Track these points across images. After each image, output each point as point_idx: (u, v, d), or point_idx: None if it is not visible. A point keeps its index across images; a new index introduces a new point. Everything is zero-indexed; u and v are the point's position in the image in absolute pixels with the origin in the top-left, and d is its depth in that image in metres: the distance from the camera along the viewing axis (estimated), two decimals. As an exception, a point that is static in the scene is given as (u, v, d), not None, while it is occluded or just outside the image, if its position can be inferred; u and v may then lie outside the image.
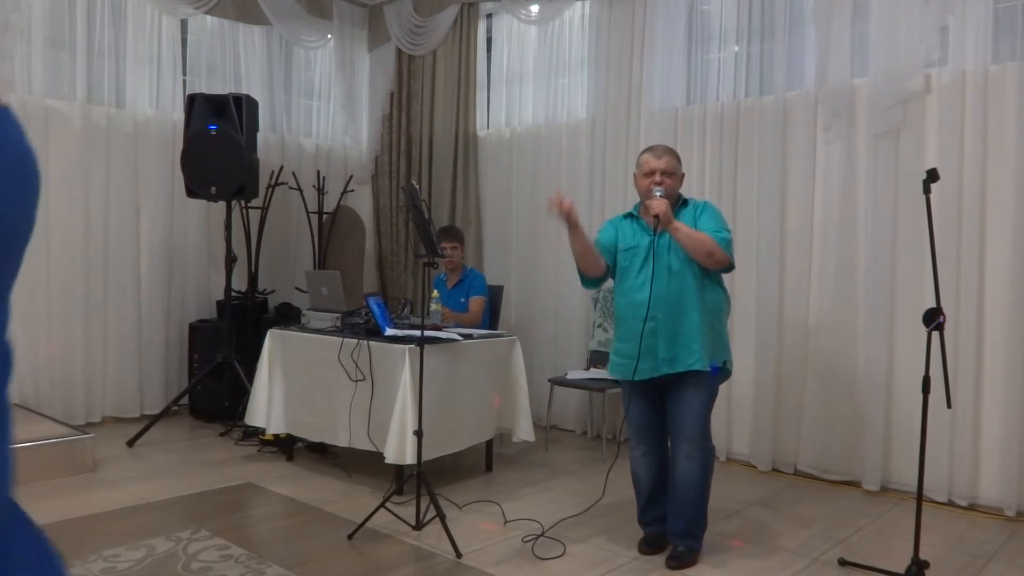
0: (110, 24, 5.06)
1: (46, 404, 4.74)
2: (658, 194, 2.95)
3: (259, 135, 5.15)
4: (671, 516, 3.05)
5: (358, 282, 6.02)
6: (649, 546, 3.13)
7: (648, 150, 3.12)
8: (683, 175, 3.14)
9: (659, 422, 3.12)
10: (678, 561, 2.97)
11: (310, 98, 6.40)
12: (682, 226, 2.92)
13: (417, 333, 3.55)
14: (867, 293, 4.03)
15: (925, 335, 2.79)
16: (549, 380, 4.87)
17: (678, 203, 3.08)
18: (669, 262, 2.97)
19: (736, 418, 4.51)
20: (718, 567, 3.00)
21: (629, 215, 3.19)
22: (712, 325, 2.98)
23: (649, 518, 3.17)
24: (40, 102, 4.75)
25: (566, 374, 4.85)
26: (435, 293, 4.34)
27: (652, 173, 3.02)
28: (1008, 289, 3.64)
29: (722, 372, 3.05)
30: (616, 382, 4.52)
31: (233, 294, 5.12)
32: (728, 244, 2.95)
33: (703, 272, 2.96)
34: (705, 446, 3.00)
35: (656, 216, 2.90)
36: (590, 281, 3.19)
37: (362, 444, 3.80)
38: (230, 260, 4.91)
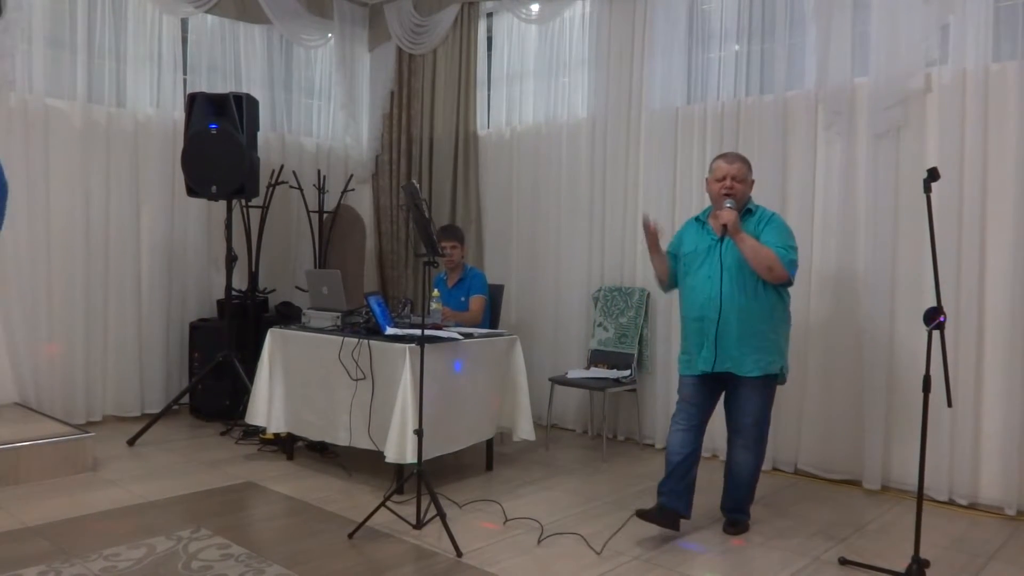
0: (110, 23, 5.06)
1: (47, 403, 4.75)
2: (728, 205, 3.10)
3: (259, 134, 5.14)
4: (726, 495, 3.38)
5: (358, 281, 6.02)
6: (647, 515, 3.17)
7: (721, 156, 3.31)
8: (753, 182, 3.29)
9: (705, 405, 3.32)
10: (735, 528, 3.35)
11: (310, 97, 6.40)
12: (747, 238, 3.08)
13: (417, 332, 3.55)
14: (867, 292, 4.03)
15: (925, 334, 2.79)
16: (549, 379, 4.87)
17: (744, 211, 3.21)
18: (731, 267, 3.14)
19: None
20: (719, 566, 3.00)
21: (697, 219, 3.40)
22: (768, 334, 3.15)
23: (665, 488, 3.27)
24: (40, 101, 4.74)
25: (566, 373, 4.85)
26: (435, 292, 4.34)
27: (724, 178, 3.20)
28: (1008, 288, 3.64)
29: (779, 377, 3.25)
30: (617, 381, 4.55)
31: (233, 293, 5.12)
32: (792, 263, 3.09)
33: (763, 281, 3.12)
34: (760, 441, 3.27)
35: (724, 225, 3.08)
36: (666, 286, 3.53)
37: (362, 443, 3.80)
38: (230, 259, 4.91)
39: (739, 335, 3.12)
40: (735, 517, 3.38)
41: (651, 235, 3.34)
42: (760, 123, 4.41)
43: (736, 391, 3.25)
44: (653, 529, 3.27)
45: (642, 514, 3.16)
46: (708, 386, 3.30)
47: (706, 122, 4.63)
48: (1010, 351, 3.62)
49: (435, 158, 6.08)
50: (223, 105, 4.80)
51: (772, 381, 3.24)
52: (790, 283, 3.18)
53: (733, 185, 3.18)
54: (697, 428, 3.32)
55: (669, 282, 3.48)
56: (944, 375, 2.83)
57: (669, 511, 3.20)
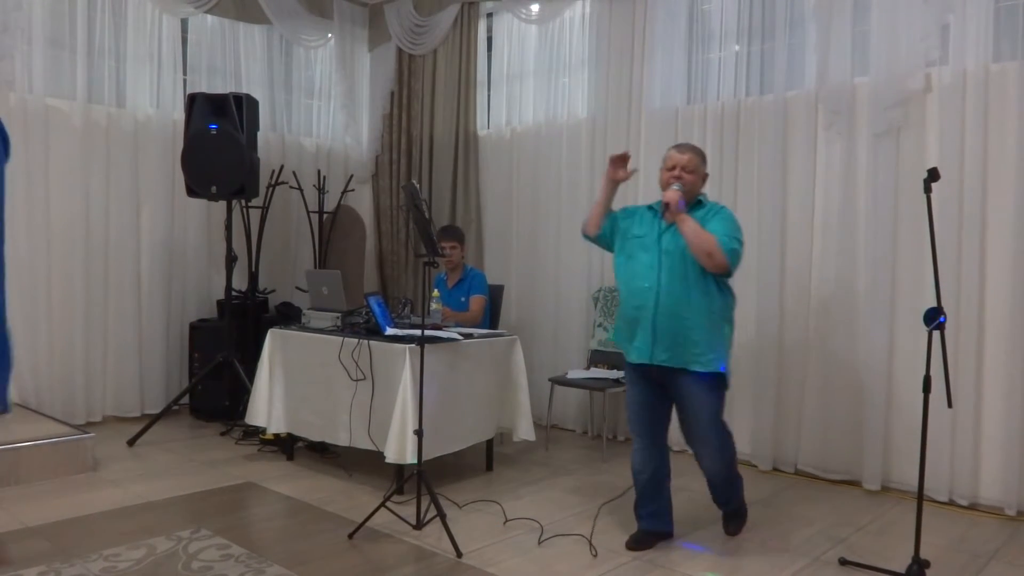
0: (110, 23, 5.06)
1: (46, 404, 4.75)
2: (675, 187, 3.02)
3: (259, 134, 5.14)
4: (713, 497, 3.29)
5: (358, 281, 6.02)
6: (636, 544, 3.15)
7: (674, 146, 3.20)
8: (706, 175, 3.18)
9: (654, 416, 3.15)
10: (733, 522, 3.33)
11: (310, 97, 6.40)
12: (689, 219, 2.95)
13: (417, 332, 3.55)
14: (867, 292, 4.03)
15: (926, 334, 2.79)
16: (549, 379, 4.87)
17: (694, 203, 3.10)
18: (675, 257, 2.99)
19: (736, 418, 4.49)
20: (719, 566, 3.00)
21: (651, 207, 3.23)
22: (710, 329, 2.98)
23: (642, 511, 3.21)
24: (40, 101, 4.74)
25: (566, 373, 4.85)
26: (435, 292, 4.34)
27: (673, 168, 3.09)
28: (1008, 288, 3.63)
29: (724, 378, 3.04)
30: (617, 381, 4.55)
31: (233, 293, 5.12)
32: (732, 252, 2.94)
33: (707, 273, 2.97)
34: (721, 444, 3.11)
35: (666, 204, 2.97)
36: (585, 236, 3.37)
37: (362, 443, 3.80)
38: (230, 259, 4.91)
39: (677, 327, 2.95)
40: (728, 510, 3.35)
41: (620, 164, 3.20)
42: (760, 123, 4.41)
43: (682, 392, 3.03)
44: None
45: (630, 546, 3.14)
46: (650, 387, 3.10)
47: (706, 122, 4.63)
48: (1010, 351, 3.62)
49: (435, 158, 6.08)
50: (223, 105, 4.80)
51: (718, 381, 3.02)
52: (729, 274, 2.99)
53: (682, 175, 3.06)
54: (651, 442, 3.14)
55: (597, 232, 3.27)
56: (944, 375, 2.83)
57: (652, 534, 3.17)
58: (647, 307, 3.00)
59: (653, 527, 3.17)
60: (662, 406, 3.15)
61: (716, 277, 3.00)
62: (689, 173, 3.07)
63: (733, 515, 3.35)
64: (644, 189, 4.89)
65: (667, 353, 2.99)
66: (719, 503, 3.34)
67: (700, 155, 3.15)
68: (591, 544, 3.16)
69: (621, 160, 3.22)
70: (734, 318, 3.13)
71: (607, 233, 3.26)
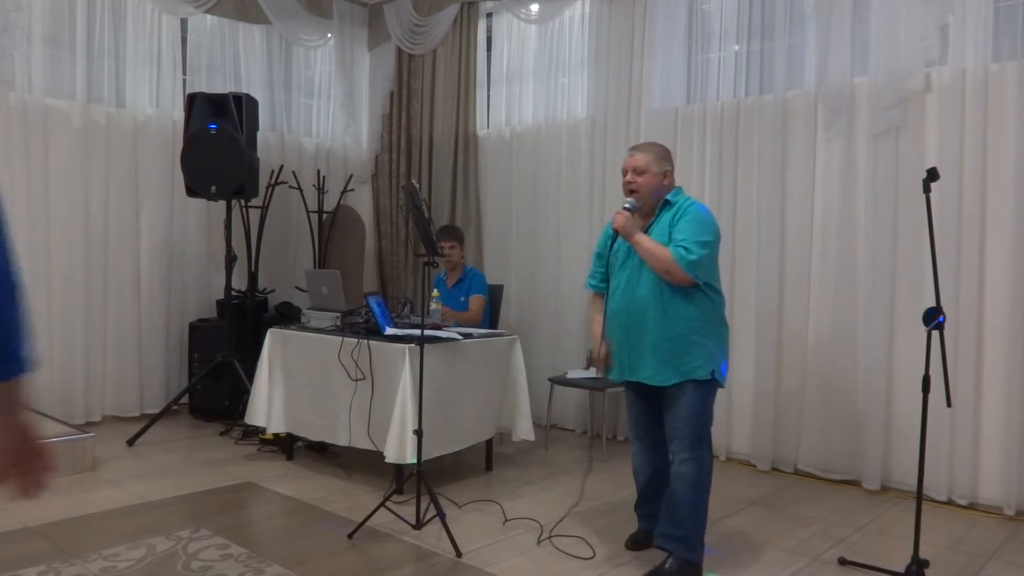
0: (110, 23, 5.06)
1: (46, 403, 4.74)
2: (626, 206, 2.87)
3: (259, 134, 5.15)
4: (662, 515, 2.91)
5: (358, 281, 6.02)
6: (636, 544, 3.15)
7: (631, 147, 3.01)
8: (668, 171, 2.92)
9: (651, 421, 3.04)
10: (673, 570, 2.81)
11: (310, 97, 6.40)
12: (644, 240, 2.81)
13: (417, 332, 3.55)
14: (867, 292, 4.03)
15: (925, 334, 2.79)
16: (549, 379, 4.87)
17: (662, 204, 2.91)
18: (639, 272, 2.87)
19: (736, 418, 4.51)
20: (719, 566, 3.00)
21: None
22: (687, 338, 2.81)
23: (642, 512, 3.20)
24: (40, 101, 4.74)
25: (566, 373, 4.85)
26: (435, 292, 4.34)
27: (625, 172, 2.92)
28: (1008, 288, 3.64)
29: (712, 382, 2.87)
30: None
31: (233, 293, 5.12)
32: (692, 265, 2.73)
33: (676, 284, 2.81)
34: (696, 453, 2.82)
35: (615, 231, 2.87)
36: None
37: (362, 443, 3.80)
38: (230, 259, 4.91)
39: (655, 343, 2.82)
40: (667, 547, 2.85)
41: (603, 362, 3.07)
42: (760, 123, 4.41)
43: (664, 399, 2.90)
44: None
45: (630, 546, 3.14)
46: (644, 393, 3.00)
47: (706, 122, 4.63)
48: (1010, 351, 3.62)
49: (435, 158, 6.08)
50: (223, 105, 4.80)
51: (702, 387, 2.84)
52: (696, 285, 2.78)
53: (634, 179, 2.86)
54: (651, 444, 3.06)
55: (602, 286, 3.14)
56: (944, 375, 2.83)
57: (647, 535, 3.13)
58: (627, 325, 2.90)
59: (653, 527, 3.14)
60: (650, 406, 3.03)
61: (690, 287, 2.81)
62: (640, 175, 2.86)
63: (676, 563, 2.83)
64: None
65: (646, 371, 2.87)
66: (661, 532, 2.89)
67: (655, 153, 2.91)
68: (588, 544, 3.16)
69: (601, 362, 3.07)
70: (725, 318, 2.98)
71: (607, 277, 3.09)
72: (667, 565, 2.83)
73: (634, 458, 3.16)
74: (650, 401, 3.00)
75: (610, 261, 3.03)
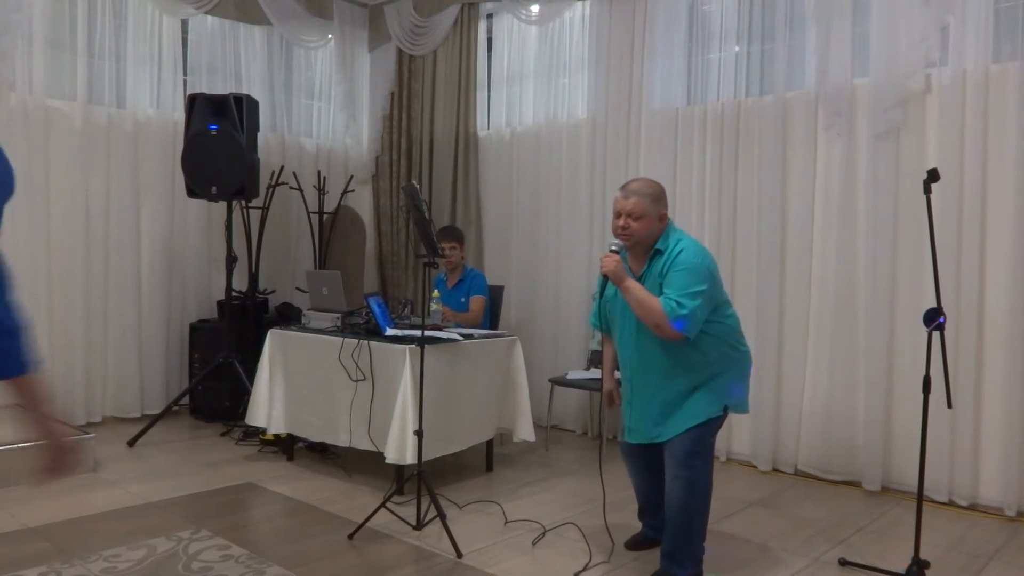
0: (111, 24, 5.06)
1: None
2: (612, 248, 2.77)
3: (259, 135, 5.15)
4: (664, 549, 2.85)
5: (358, 282, 6.02)
6: (635, 544, 3.16)
7: (621, 187, 2.83)
8: (663, 215, 2.80)
9: (646, 452, 2.97)
10: None
11: (310, 98, 6.40)
12: (633, 288, 2.70)
13: (417, 333, 3.55)
14: (867, 293, 4.03)
15: (925, 335, 2.79)
16: (549, 380, 4.87)
17: (651, 251, 2.79)
18: (636, 320, 2.77)
19: (736, 418, 4.49)
20: (719, 566, 3.00)
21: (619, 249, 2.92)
22: (705, 380, 2.75)
23: (645, 521, 3.20)
24: (41, 102, 4.75)
25: (566, 374, 4.85)
26: (435, 293, 4.34)
27: (619, 216, 2.78)
28: (1008, 289, 3.64)
29: (723, 412, 2.83)
30: (617, 382, 4.54)
31: (234, 294, 5.12)
32: (679, 318, 2.60)
33: None
34: (691, 471, 2.72)
35: (604, 276, 2.76)
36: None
37: (362, 444, 3.80)
38: (231, 260, 4.91)
39: (663, 406, 2.75)
40: (666, 568, 2.81)
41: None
42: (760, 124, 4.41)
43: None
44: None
45: (630, 546, 3.15)
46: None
47: (706, 123, 4.63)
48: (1010, 351, 3.62)
49: (435, 159, 6.08)
50: (223, 106, 4.80)
51: (710, 421, 2.76)
52: (686, 339, 2.66)
53: (628, 224, 2.74)
54: (645, 459, 3.00)
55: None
56: (944, 376, 2.83)
57: (647, 540, 3.15)
58: (632, 381, 2.85)
59: (655, 536, 3.12)
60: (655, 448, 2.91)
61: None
62: (636, 220, 2.73)
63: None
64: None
65: (655, 432, 2.80)
66: (663, 551, 2.85)
67: (649, 195, 2.76)
68: (588, 545, 3.17)
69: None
70: (741, 339, 2.90)
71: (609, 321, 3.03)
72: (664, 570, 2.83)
73: (630, 476, 3.17)
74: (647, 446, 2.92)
75: (607, 307, 2.96)
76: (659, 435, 2.81)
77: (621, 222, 2.77)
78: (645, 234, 2.77)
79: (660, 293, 2.70)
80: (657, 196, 2.80)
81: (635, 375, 2.85)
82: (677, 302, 2.62)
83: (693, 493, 2.74)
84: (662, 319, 2.62)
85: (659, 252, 2.78)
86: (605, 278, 2.80)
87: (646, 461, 3.00)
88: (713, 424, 2.79)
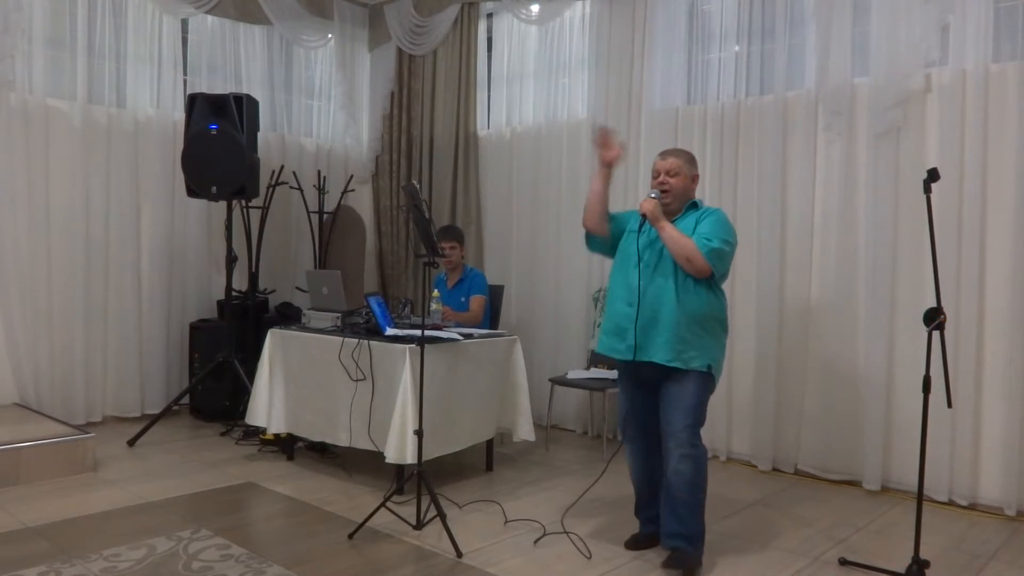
0: (111, 24, 5.06)
1: (47, 404, 4.75)
2: (652, 195, 3.00)
3: (260, 135, 5.14)
4: (663, 513, 2.98)
5: (358, 282, 6.02)
6: (636, 544, 3.17)
7: (660, 153, 3.14)
8: (696, 175, 3.13)
9: (646, 419, 3.07)
10: (676, 562, 2.93)
11: (311, 98, 6.40)
12: (668, 226, 2.93)
13: (417, 333, 3.55)
14: (867, 292, 4.03)
15: (925, 335, 2.79)
16: (549, 380, 4.87)
17: (687, 205, 3.08)
18: (659, 257, 2.98)
19: (736, 418, 4.52)
20: (718, 567, 3.00)
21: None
22: (692, 328, 2.91)
23: (642, 516, 3.21)
24: (41, 102, 4.75)
25: (566, 374, 4.85)
26: (436, 293, 4.34)
27: (657, 174, 3.08)
28: (1008, 289, 3.64)
29: (709, 377, 2.96)
30: (615, 381, 4.54)
31: (234, 294, 5.12)
32: (713, 253, 2.87)
33: (690, 276, 2.91)
34: (693, 450, 2.90)
35: (643, 215, 2.98)
36: (591, 239, 3.27)
37: (362, 444, 3.80)
38: (231, 260, 4.91)
39: (670, 324, 2.90)
40: (675, 545, 2.94)
41: (607, 144, 3.10)
42: (760, 123, 4.41)
43: (662, 391, 2.97)
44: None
45: (630, 545, 3.16)
46: (640, 389, 3.07)
47: (706, 122, 4.63)
48: (1010, 351, 3.62)
49: (435, 159, 6.08)
50: (223, 106, 4.80)
51: (700, 379, 2.93)
52: (713, 277, 2.92)
53: (666, 180, 3.04)
54: (644, 444, 3.10)
55: (596, 231, 3.20)
56: (944, 375, 2.83)
57: (652, 536, 3.16)
58: (635, 305, 2.97)
59: (653, 531, 3.14)
60: (653, 406, 3.04)
61: (700, 282, 2.92)
62: (673, 176, 3.03)
63: (678, 555, 2.94)
64: (644, 190, 4.89)
65: (653, 349, 2.93)
66: (666, 532, 2.98)
67: (685, 157, 3.10)
68: (585, 545, 3.16)
69: (605, 139, 3.12)
70: (727, 319, 3.06)
71: (615, 234, 3.18)
72: (675, 557, 2.95)
73: (629, 461, 3.19)
74: (648, 394, 3.04)
75: (628, 239, 3.11)
76: (664, 356, 2.92)
77: (660, 179, 3.06)
78: (680, 189, 3.05)
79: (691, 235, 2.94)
80: (691, 159, 3.12)
81: (646, 299, 2.97)
82: (707, 239, 2.90)
83: (699, 471, 2.93)
84: (693, 251, 2.88)
85: (695, 206, 3.08)
86: (642, 219, 3.01)
87: (647, 448, 3.11)
88: (705, 388, 2.98)
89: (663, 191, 3.03)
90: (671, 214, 3.03)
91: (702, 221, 2.98)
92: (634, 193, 4.95)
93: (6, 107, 4.59)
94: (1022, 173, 3.60)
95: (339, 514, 3.48)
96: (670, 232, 2.93)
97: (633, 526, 3.24)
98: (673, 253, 2.91)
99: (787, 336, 4.31)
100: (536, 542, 3.20)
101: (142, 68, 5.20)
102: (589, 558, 3.05)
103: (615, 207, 3.30)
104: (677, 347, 2.90)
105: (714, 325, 2.99)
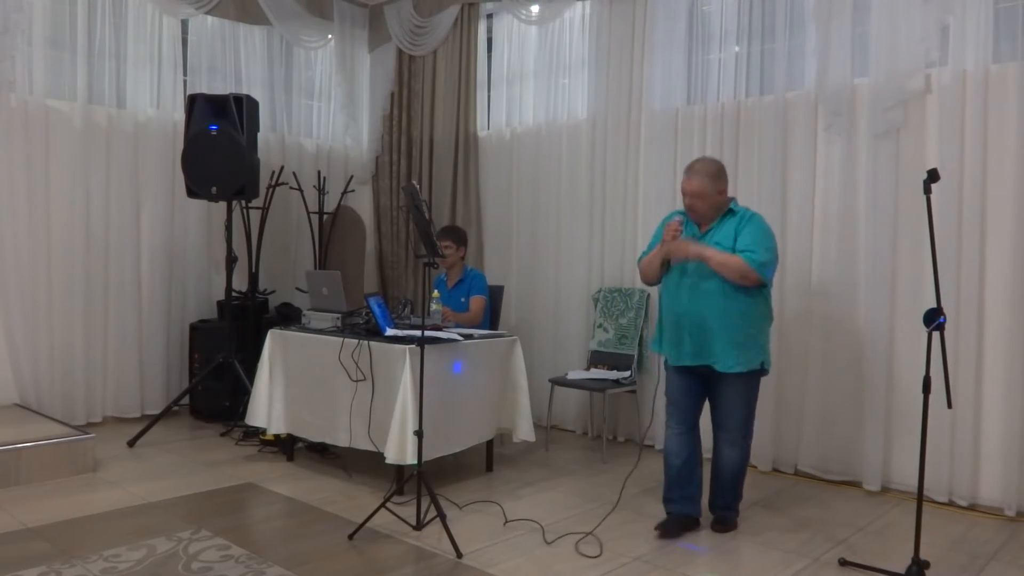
0: (111, 24, 5.06)
1: (47, 404, 4.75)
2: (677, 217, 3.22)
3: (260, 135, 5.14)
4: (713, 493, 3.40)
5: (358, 282, 6.02)
6: (667, 530, 3.27)
7: (687, 168, 3.27)
8: (723, 190, 3.24)
9: (693, 403, 3.35)
10: (723, 525, 3.37)
11: (311, 98, 6.40)
12: (714, 255, 3.11)
13: (417, 333, 3.55)
14: (867, 293, 4.03)
15: (925, 335, 2.79)
16: (549, 380, 4.87)
17: (726, 212, 3.24)
18: (700, 266, 3.16)
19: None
20: (719, 567, 3.01)
21: (683, 212, 3.37)
22: (745, 329, 3.15)
23: (675, 495, 3.35)
24: (41, 102, 4.75)
25: (566, 374, 4.85)
26: (435, 293, 4.34)
27: (684, 195, 3.24)
28: (1008, 289, 3.64)
29: (762, 371, 3.26)
30: (617, 382, 4.55)
31: (234, 294, 5.12)
32: (761, 265, 3.08)
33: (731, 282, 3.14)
34: (744, 442, 3.32)
35: (678, 257, 3.18)
36: (651, 282, 3.46)
37: (362, 444, 3.80)
38: (231, 260, 4.91)
39: (717, 331, 3.15)
40: (723, 514, 3.40)
41: (674, 236, 3.23)
42: (760, 124, 4.41)
43: (719, 387, 3.26)
44: (651, 529, 3.30)
45: (661, 532, 3.27)
46: (692, 379, 3.33)
47: (706, 123, 4.63)
48: (1010, 351, 3.62)
49: (435, 159, 6.08)
50: (223, 106, 4.80)
51: (755, 376, 3.26)
52: (765, 285, 3.19)
53: (693, 202, 3.22)
54: (691, 429, 3.37)
55: (651, 280, 3.42)
56: (944, 376, 2.83)
57: (681, 519, 3.33)
58: (689, 314, 3.19)
59: (684, 511, 3.33)
60: (698, 396, 3.35)
61: (743, 286, 3.14)
62: (699, 199, 3.19)
63: (724, 520, 3.41)
64: (644, 190, 4.90)
65: (712, 357, 3.17)
66: (716, 506, 3.42)
67: (710, 175, 3.20)
68: (597, 540, 3.17)
69: (675, 235, 3.21)
70: (771, 307, 3.31)
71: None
72: (721, 519, 3.38)
73: (670, 442, 3.38)
74: (701, 388, 3.33)
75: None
76: (716, 362, 3.17)
77: (687, 201, 3.24)
78: (706, 209, 3.22)
79: (731, 245, 3.14)
80: (715, 175, 3.22)
81: (697, 306, 3.18)
82: (752, 252, 3.09)
83: (746, 458, 3.35)
84: (746, 269, 3.07)
85: (732, 212, 3.25)
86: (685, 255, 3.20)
87: (692, 432, 3.36)
88: (757, 384, 3.29)
89: (691, 212, 3.23)
90: (706, 222, 3.24)
91: (742, 232, 3.15)
92: (634, 193, 4.96)
93: (6, 108, 4.59)
94: (1022, 173, 3.60)
95: (339, 514, 3.48)
96: (718, 259, 3.10)
97: (633, 526, 3.24)
98: (725, 276, 3.10)
99: (787, 335, 4.31)
100: (551, 543, 3.20)
101: (142, 69, 5.20)
102: (590, 558, 3.05)
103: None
104: (734, 352, 3.14)
105: (762, 321, 3.24)
